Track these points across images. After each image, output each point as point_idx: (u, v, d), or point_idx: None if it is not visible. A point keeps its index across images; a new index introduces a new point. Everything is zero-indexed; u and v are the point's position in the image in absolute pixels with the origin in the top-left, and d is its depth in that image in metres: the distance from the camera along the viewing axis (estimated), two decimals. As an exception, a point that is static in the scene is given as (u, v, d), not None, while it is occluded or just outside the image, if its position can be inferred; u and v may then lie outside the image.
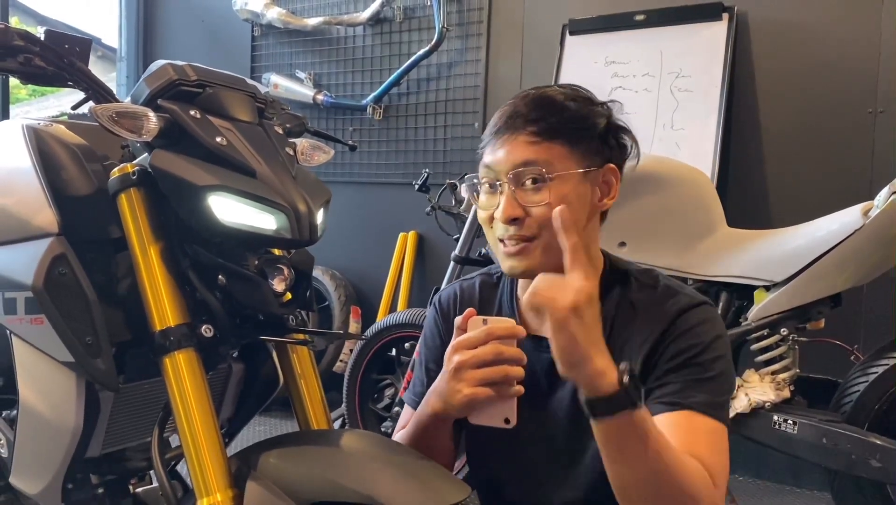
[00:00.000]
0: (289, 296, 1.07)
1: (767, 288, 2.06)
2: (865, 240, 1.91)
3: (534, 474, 1.12)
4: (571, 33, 3.05)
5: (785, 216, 2.44)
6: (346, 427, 2.71)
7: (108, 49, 5.74)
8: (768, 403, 2.02)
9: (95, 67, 1.26)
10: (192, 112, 1.02)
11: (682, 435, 0.96)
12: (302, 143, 1.20)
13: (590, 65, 2.98)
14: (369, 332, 2.73)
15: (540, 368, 1.05)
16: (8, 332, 1.15)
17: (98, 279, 1.08)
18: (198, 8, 4.13)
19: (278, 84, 3.68)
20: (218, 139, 1.00)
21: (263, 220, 0.99)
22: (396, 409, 2.61)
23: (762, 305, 2.04)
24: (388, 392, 2.77)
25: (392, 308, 3.43)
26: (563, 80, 2.97)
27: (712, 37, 2.78)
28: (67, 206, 1.10)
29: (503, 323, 0.94)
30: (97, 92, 1.23)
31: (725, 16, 2.76)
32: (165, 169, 1.00)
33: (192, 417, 0.99)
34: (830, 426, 1.94)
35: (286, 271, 1.07)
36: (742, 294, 2.12)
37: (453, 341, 0.96)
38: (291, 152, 1.09)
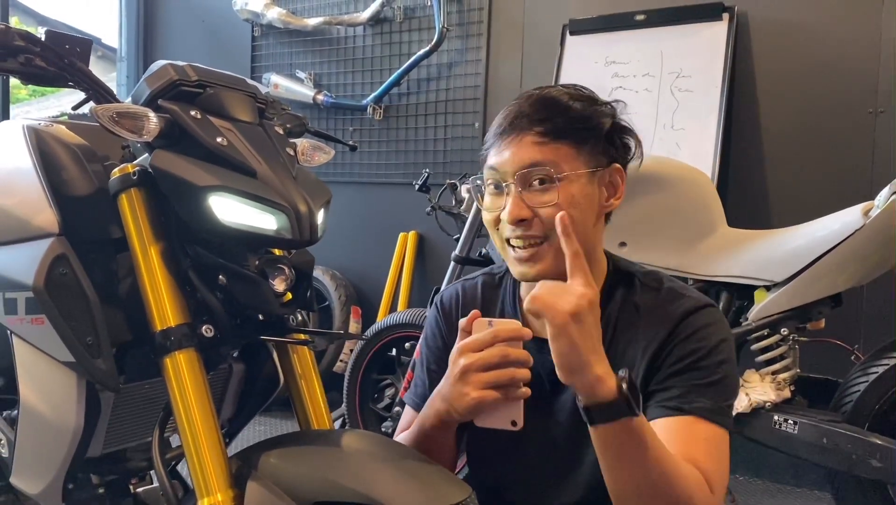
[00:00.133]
0: (289, 296, 1.07)
1: (768, 288, 2.06)
2: (866, 240, 1.91)
3: (535, 477, 1.11)
4: (572, 33, 3.05)
5: (785, 216, 2.43)
6: (347, 427, 2.71)
7: (108, 49, 5.74)
8: (769, 403, 2.02)
9: (95, 68, 1.26)
10: (192, 112, 1.02)
11: (681, 441, 0.96)
12: (302, 143, 1.20)
13: (590, 65, 2.98)
14: (369, 332, 2.73)
15: (543, 370, 1.05)
16: (9, 332, 1.15)
17: (99, 279, 1.08)
18: (198, 8, 4.13)
19: (278, 84, 3.68)
20: (218, 139, 1.00)
21: (264, 221, 0.99)
22: (397, 409, 2.61)
23: (762, 305, 2.04)
24: (389, 392, 2.77)
25: (392, 308, 3.43)
26: (564, 80, 2.97)
27: (712, 37, 2.78)
28: (68, 207, 1.10)
29: (509, 325, 0.94)
30: (98, 92, 1.23)
31: (726, 16, 2.76)
32: (166, 169, 1.00)
33: (193, 417, 0.99)
34: (831, 426, 1.94)
35: (287, 271, 1.07)
36: (742, 294, 2.12)
37: (458, 344, 0.96)
38: (292, 152, 1.09)
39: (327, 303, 3.46)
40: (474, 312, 0.97)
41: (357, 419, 2.75)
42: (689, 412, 0.98)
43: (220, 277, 1.04)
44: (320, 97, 3.63)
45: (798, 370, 2.09)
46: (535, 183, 1.01)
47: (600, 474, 0.95)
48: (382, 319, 2.73)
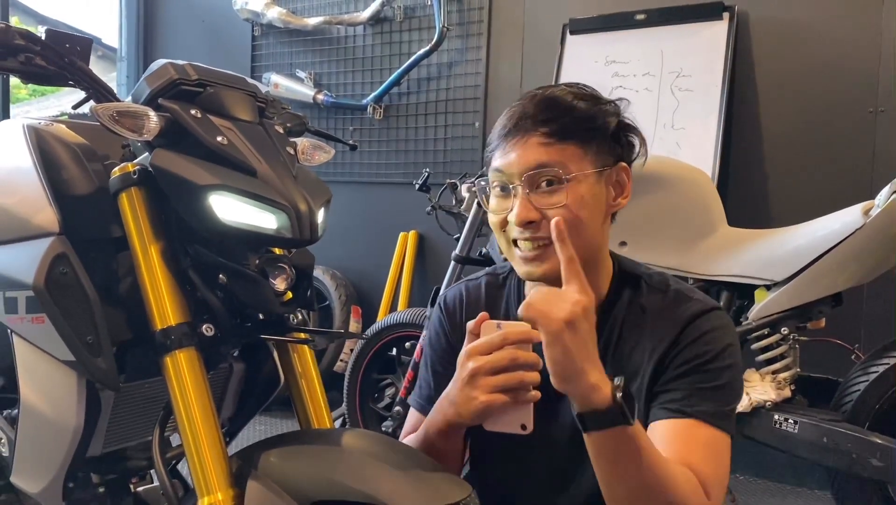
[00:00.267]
0: (289, 295, 1.07)
1: (768, 287, 2.06)
2: (866, 239, 1.91)
3: (537, 480, 1.11)
4: (572, 33, 3.05)
5: (785, 216, 2.43)
6: (347, 426, 2.71)
7: (108, 49, 5.74)
8: (769, 403, 2.01)
9: (96, 67, 1.26)
10: (192, 111, 1.02)
11: (681, 443, 0.96)
12: (302, 142, 1.20)
13: (590, 64, 2.98)
14: (370, 331, 2.73)
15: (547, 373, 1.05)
16: (9, 331, 1.15)
17: (99, 278, 1.08)
18: (198, 8, 4.13)
19: (279, 84, 3.68)
20: (219, 138, 1.00)
21: (264, 220, 0.99)
22: (397, 408, 2.61)
23: (763, 305, 2.04)
24: (389, 392, 2.77)
25: (392, 308, 3.43)
26: (564, 79, 2.97)
27: (713, 36, 2.78)
28: (68, 206, 1.10)
29: (518, 327, 0.91)
30: (98, 91, 1.23)
31: (726, 15, 2.76)
32: (166, 168, 1.00)
33: (193, 416, 0.99)
34: (831, 425, 1.94)
35: (287, 270, 1.07)
36: (743, 293, 2.12)
37: (466, 347, 0.94)
38: (292, 152, 1.09)
39: (327, 302, 3.46)
40: (483, 314, 0.95)
41: (357, 419, 2.75)
42: (691, 415, 0.98)
43: (221, 276, 1.04)
44: (320, 97, 3.63)
45: (798, 369, 2.08)
46: (543, 184, 0.99)
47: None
48: (383, 319, 2.73)
